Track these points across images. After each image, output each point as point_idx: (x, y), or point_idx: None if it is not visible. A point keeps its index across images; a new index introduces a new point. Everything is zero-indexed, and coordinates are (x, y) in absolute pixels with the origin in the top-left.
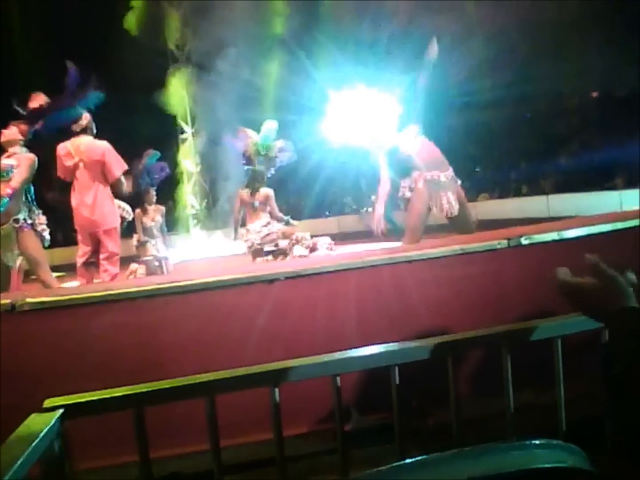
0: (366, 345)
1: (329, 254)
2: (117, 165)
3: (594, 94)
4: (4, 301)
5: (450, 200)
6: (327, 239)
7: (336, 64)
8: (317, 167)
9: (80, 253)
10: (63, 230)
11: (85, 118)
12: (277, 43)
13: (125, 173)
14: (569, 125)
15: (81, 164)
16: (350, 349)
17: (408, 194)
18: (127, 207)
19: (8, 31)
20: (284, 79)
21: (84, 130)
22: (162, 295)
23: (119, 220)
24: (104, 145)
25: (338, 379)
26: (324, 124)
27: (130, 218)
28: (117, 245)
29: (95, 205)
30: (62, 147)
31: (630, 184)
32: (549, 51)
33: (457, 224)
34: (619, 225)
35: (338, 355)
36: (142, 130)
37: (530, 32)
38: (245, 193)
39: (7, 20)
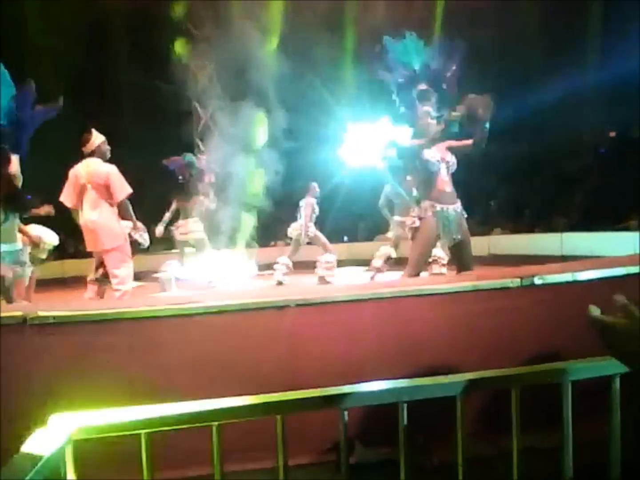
0: (373, 379)
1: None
2: (121, 189)
3: (611, 134)
4: (15, 314)
5: (454, 235)
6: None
7: (349, 89)
8: (332, 192)
9: (93, 267)
10: (74, 242)
11: (95, 141)
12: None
13: (129, 197)
14: (585, 164)
15: (89, 185)
16: (358, 381)
17: (417, 223)
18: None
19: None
20: (296, 105)
21: (93, 153)
22: (172, 317)
23: (122, 241)
24: (109, 168)
25: (346, 413)
26: (339, 149)
27: (146, 243)
28: (120, 265)
29: (98, 224)
30: (72, 171)
31: None
32: (567, 88)
33: (458, 259)
34: (633, 269)
35: (346, 389)
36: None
37: (551, 69)
38: None
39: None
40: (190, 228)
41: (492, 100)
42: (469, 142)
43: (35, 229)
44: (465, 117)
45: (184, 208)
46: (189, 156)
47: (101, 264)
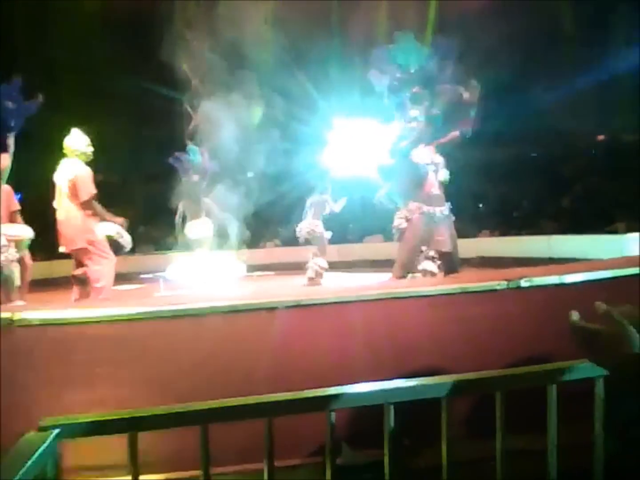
0: (362, 381)
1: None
2: (84, 190)
3: (600, 137)
4: (2, 315)
5: (443, 237)
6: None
7: (340, 91)
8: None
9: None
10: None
11: (77, 142)
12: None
13: (93, 198)
14: (574, 167)
15: (61, 186)
16: (347, 383)
17: (404, 225)
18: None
19: None
20: (286, 106)
21: (74, 154)
22: (159, 319)
23: (86, 242)
24: (77, 168)
25: (333, 414)
26: (330, 152)
27: (127, 245)
28: (94, 263)
29: (64, 224)
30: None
31: (631, 229)
32: (558, 91)
33: (445, 261)
34: (619, 272)
35: (333, 390)
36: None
37: (540, 73)
38: None
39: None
40: (200, 227)
41: (478, 85)
42: (456, 133)
43: (7, 229)
44: (452, 106)
45: (190, 209)
46: (193, 149)
47: (78, 263)
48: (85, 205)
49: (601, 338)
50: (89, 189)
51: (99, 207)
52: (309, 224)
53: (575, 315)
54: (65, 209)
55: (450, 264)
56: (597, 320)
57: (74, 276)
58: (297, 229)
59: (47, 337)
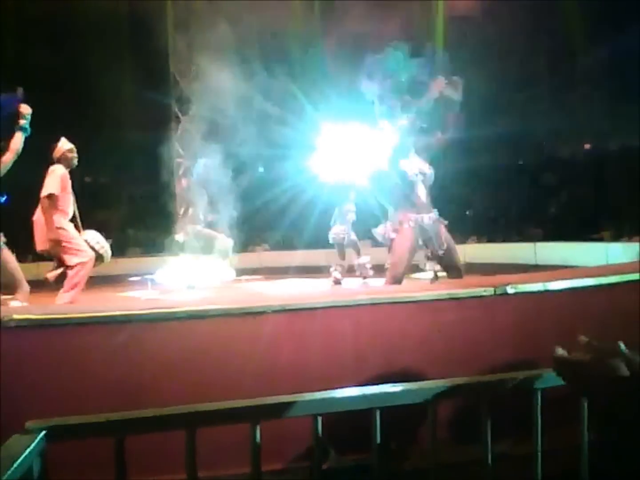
0: (349, 385)
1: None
2: (47, 186)
3: (586, 146)
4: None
5: (433, 243)
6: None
7: (330, 98)
8: (313, 199)
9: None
10: None
11: (60, 149)
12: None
13: (49, 197)
14: (560, 176)
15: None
16: (334, 388)
17: (393, 235)
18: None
19: None
20: (276, 113)
21: (59, 160)
22: (146, 321)
23: (55, 242)
24: (54, 169)
25: (319, 419)
26: (319, 158)
27: (106, 256)
28: (67, 261)
29: (37, 223)
30: None
31: (616, 237)
32: (545, 100)
33: (446, 267)
34: (603, 280)
35: (320, 395)
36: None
37: (528, 82)
38: None
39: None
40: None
41: (460, 80)
42: (439, 135)
43: None
44: (440, 104)
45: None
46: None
47: (57, 262)
48: (42, 203)
49: (586, 368)
50: (52, 188)
51: (49, 209)
52: (340, 230)
53: (559, 351)
54: (39, 209)
55: (452, 268)
56: (581, 351)
57: (46, 279)
58: (331, 233)
59: (39, 338)
